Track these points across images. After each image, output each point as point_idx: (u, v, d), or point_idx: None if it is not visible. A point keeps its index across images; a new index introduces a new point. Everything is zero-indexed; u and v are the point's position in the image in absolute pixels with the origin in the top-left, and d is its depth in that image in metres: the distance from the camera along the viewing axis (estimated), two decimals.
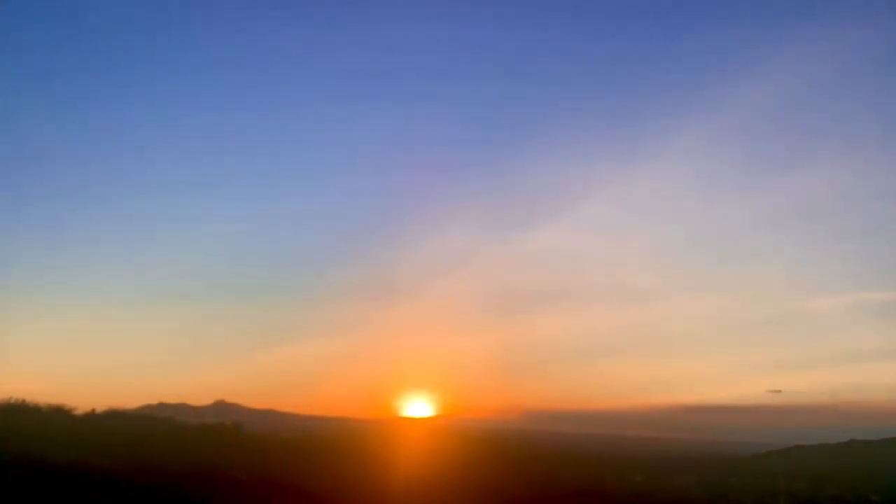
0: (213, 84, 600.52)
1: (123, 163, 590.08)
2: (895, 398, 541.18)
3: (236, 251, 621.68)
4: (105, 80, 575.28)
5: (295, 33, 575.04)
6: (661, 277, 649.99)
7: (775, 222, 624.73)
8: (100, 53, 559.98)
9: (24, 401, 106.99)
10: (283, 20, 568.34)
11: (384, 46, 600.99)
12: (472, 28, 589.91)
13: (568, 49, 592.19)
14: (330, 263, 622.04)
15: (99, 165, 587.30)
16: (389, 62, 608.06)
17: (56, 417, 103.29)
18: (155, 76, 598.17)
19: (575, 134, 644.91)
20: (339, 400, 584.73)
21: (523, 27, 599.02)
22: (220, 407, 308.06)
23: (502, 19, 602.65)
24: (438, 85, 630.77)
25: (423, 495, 69.65)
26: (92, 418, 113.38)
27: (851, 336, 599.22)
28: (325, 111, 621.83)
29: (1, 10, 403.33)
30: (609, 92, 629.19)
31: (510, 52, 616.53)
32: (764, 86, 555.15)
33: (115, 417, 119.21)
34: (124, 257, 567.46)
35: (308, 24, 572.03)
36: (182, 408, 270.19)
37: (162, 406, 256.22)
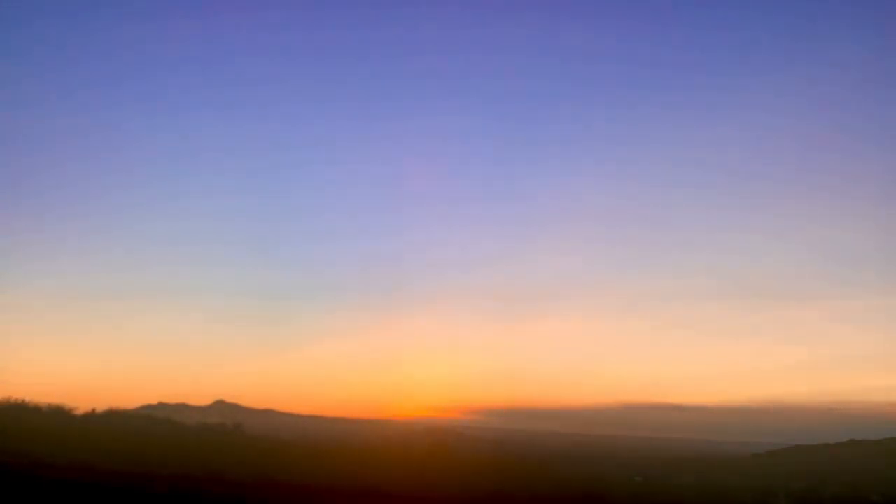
0: (227, 90, 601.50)
1: (127, 165, 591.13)
2: (894, 399, 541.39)
3: (238, 253, 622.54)
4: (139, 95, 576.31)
5: (299, 46, 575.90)
6: (660, 282, 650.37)
7: (774, 227, 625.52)
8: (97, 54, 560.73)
9: (24, 401, 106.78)
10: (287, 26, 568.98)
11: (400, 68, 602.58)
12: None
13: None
14: (330, 268, 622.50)
15: (102, 167, 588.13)
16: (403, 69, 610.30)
17: (56, 417, 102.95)
18: (168, 86, 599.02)
19: (569, 145, 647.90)
20: (338, 400, 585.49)
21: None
22: (220, 407, 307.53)
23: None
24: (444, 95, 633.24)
25: (421, 495, 69.57)
26: (92, 418, 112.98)
27: (851, 338, 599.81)
28: (333, 120, 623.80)
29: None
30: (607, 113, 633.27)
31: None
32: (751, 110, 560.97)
33: (114, 417, 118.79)
34: (125, 258, 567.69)
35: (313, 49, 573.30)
36: (182, 408, 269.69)
37: (162, 406, 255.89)
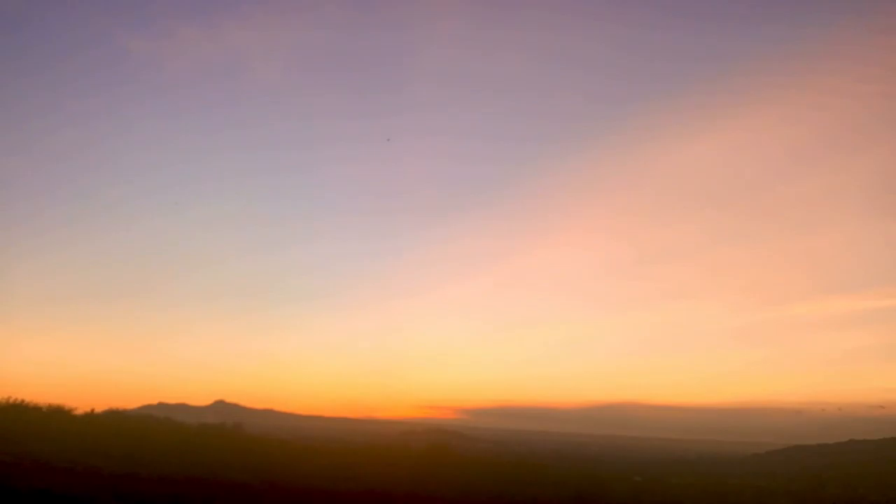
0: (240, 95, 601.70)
1: (128, 166, 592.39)
2: (894, 399, 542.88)
3: (238, 254, 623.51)
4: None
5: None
6: (660, 282, 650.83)
7: (775, 228, 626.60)
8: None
9: (24, 401, 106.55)
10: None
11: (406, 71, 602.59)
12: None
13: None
14: (330, 269, 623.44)
15: (103, 168, 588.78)
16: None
17: (56, 417, 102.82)
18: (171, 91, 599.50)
19: (569, 147, 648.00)
20: (338, 400, 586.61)
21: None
22: (220, 407, 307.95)
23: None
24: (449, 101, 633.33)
25: (420, 495, 69.55)
26: (92, 418, 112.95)
27: (850, 338, 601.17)
28: (332, 121, 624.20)
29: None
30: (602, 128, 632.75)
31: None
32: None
33: (114, 417, 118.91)
34: (125, 259, 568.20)
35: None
36: (182, 408, 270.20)
37: (162, 406, 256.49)
